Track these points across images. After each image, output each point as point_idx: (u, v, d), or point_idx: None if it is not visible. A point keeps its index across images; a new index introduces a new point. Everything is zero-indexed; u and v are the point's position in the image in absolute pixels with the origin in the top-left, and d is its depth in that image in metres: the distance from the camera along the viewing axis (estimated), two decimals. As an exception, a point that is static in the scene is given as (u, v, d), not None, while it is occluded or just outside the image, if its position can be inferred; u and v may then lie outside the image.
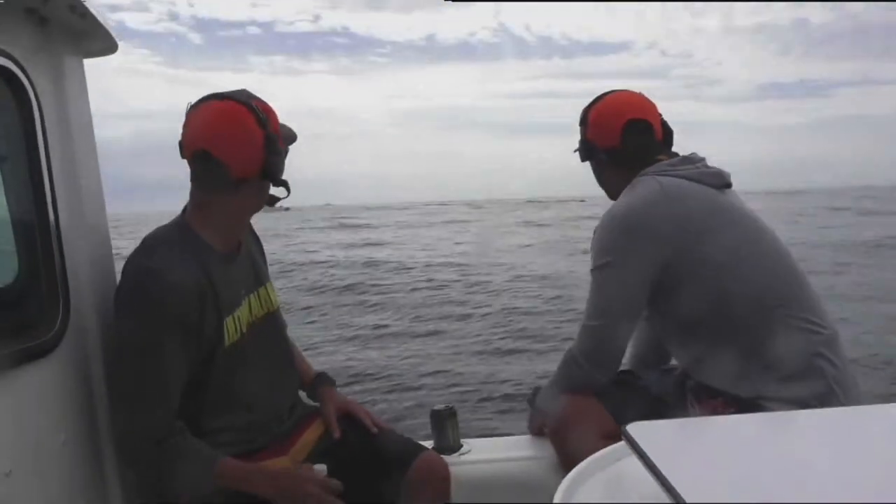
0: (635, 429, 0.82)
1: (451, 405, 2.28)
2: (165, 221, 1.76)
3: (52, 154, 1.59)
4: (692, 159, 1.94)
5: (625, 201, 1.88)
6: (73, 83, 1.71)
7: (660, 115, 2.01)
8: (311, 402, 2.00)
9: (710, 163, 1.95)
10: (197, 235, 1.69)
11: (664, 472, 0.72)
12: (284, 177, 1.72)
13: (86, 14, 1.63)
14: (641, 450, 0.77)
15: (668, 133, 2.02)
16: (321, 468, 1.66)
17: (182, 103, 1.67)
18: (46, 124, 1.58)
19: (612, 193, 2.04)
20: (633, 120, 1.95)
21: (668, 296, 1.82)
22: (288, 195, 1.76)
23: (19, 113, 1.54)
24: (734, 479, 0.74)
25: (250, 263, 1.87)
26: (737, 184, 1.96)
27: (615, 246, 1.85)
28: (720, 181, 1.90)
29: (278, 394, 1.86)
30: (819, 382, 1.70)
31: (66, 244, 1.61)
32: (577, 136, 2.05)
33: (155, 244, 1.67)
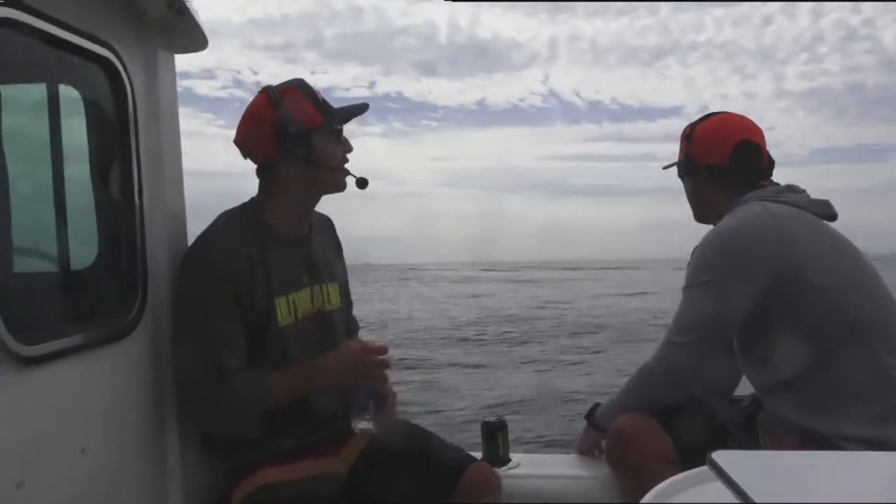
0: (721, 457, 0.81)
1: (501, 417, 2.27)
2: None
3: (141, 143, 1.64)
4: (796, 189, 1.88)
5: (730, 223, 1.81)
6: (165, 76, 1.77)
7: (765, 142, 1.94)
8: None
9: None
10: (257, 215, 1.79)
11: (757, 501, 0.71)
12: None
13: (182, 10, 1.69)
14: (730, 478, 0.76)
15: (771, 162, 1.96)
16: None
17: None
18: (138, 114, 1.63)
19: (704, 213, 1.98)
20: (745, 140, 1.89)
21: (760, 320, 1.75)
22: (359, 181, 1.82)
23: (115, 101, 1.60)
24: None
25: (320, 256, 1.89)
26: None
27: (717, 266, 1.78)
28: (826, 211, 1.84)
29: (333, 391, 1.87)
30: None
31: (148, 230, 1.66)
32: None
33: (220, 218, 1.79)
